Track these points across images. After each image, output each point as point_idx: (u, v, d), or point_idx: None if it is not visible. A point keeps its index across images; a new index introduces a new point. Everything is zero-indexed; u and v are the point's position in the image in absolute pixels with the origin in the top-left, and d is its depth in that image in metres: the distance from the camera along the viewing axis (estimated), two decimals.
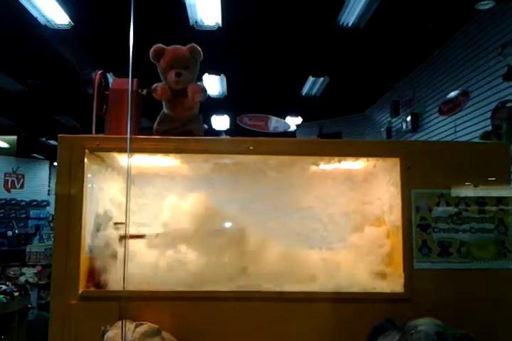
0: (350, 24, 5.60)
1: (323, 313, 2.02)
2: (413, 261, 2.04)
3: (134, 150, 2.01)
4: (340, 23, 5.61)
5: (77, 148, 2.05)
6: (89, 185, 2.10)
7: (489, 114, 5.33)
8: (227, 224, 2.47)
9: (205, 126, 2.52)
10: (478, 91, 5.72)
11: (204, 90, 2.26)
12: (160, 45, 2.25)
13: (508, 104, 5.00)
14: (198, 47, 2.25)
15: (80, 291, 1.97)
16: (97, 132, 2.22)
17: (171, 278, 2.10)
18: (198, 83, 2.29)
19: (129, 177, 1.96)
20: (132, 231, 2.07)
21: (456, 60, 6.25)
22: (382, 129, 8.69)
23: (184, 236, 2.26)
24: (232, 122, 10.02)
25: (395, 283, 2.08)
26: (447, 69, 6.49)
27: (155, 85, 2.24)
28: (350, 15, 5.43)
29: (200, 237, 2.27)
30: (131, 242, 2.01)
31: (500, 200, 2.10)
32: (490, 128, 5.28)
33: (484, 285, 2.04)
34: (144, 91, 2.33)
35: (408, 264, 2.04)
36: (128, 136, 1.93)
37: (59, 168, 2.05)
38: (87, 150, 2.06)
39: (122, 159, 2.30)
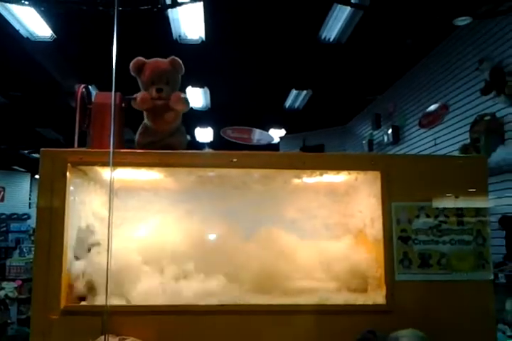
0: (332, 39, 5.69)
1: (306, 325, 2.03)
2: (394, 272, 2.06)
3: (116, 164, 2.00)
4: (322, 38, 5.70)
5: (59, 162, 2.03)
6: (72, 199, 2.09)
7: (468, 127, 5.44)
8: (211, 237, 2.48)
9: (188, 137, 2.50)
10: (457, 105, 5.84)
11: (186, 100, 2.23)
12: (140, 58, 2.22)
13: (486, 118, 5.12)
14: (179, 60, 2.23)
15: (61, 306, 1.95)
16: (79, 146, 2.21)
17: (153, 292, 2.09)
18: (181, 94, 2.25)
19: (112, 191, 1.96)
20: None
21: (435, 74, 6.38)
22: (364, 142, 8.79)
23: (166, 250, 2.26)
24: (216, 135, 10.05)
25: (376, 295, 2.10)
26: (427, 83, 6.62)
27: (136, 95, 2.21)
28: (331, 30, 5.53)
29: (183, 250, 2.27)
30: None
31: (478, 212, 2.14)
32: (468, 140, 5.38)
33: (464, 297, 2.07)
34: (124, 103, 2.30)
35: (389, 276, 2.06)
36: (111, 150, 1.93)
37: (41, 181, 2.04)
38: (69, 164, 2.05)
39: (105, 173, 2.30)
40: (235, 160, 2.13)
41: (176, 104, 2.19)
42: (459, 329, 1.99)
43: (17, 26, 5.32)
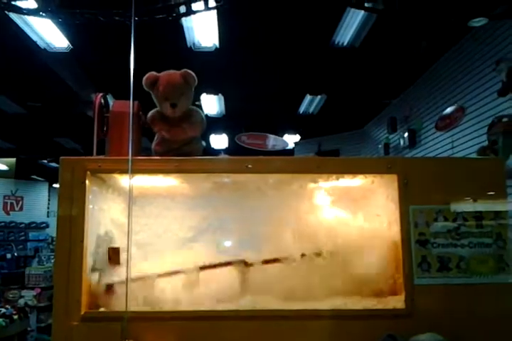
0: (345, 43, 5.68)
1: (325, 331, 2.02)
2: (413, 276, 2.05)
3: (135, 171, 2.04)
4: (336, 42, 5.70)
5: (78, 170, 2.07)
6: (91, 206, 2.12)
7: (485, 129, 5.37)
8: (227, 243, 2.49)
9: (204, 143, 2.55)
10: (474, 107, 5.78)
11: (202, 126, 2.33)
12: (152, 73, 2.22)
13: (504, 119, 5.04)
14: (192, 73, 2.22)
15: (82, 312, 1.97)
16: (97, 154, 2.24)
17: (173, 298, 2.10)
18: (196, 119, 2.32)
19: (131, 198, 1.98)
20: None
21: (451, 76, 6.32)
22: (380, 146, 8.73)
23: (184, 255, 2.28)
24: (231, 141, 10.08)
25: (395, 300, 2.09)
26: (443, 85, 6.56)
27: (149, 116, 2.29)
28: (345, 34, 5.52)
29: (200, 255, 2.28)
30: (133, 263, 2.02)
31: (497, 215, 2.12)
32: (486, 143, 5.31)
33: (484, 300, 2.05)
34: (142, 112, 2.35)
35: (408, 280, 2.05)
36: (129, 157, 1.96)
37: (60, 189, 2.08)
38: (88, 172, 2.08)
39: (123, 180, 2.32)
40: (250, 166, 2.14)
41: (190, 134, 2.30)
42: (479, 334, 1.96)
43: (34, 37, 5.41)
